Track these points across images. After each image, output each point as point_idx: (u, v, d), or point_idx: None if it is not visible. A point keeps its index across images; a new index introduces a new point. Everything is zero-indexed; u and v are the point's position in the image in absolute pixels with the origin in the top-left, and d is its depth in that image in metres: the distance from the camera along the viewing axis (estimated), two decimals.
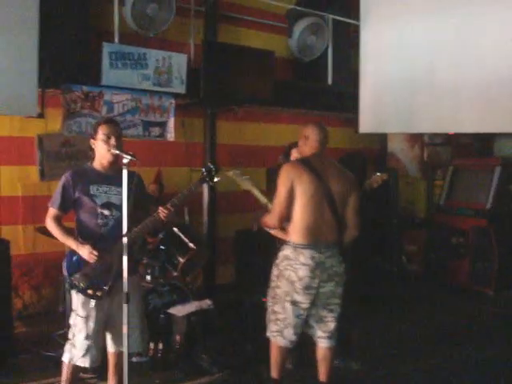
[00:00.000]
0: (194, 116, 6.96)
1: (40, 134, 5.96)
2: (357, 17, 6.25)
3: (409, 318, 6.32)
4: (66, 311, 3.78)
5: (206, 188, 6.54)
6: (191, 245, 5.34)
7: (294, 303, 3.88)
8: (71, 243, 3.59)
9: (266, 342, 4.09)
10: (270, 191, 4.42)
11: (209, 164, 3.95)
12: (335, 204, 3.90)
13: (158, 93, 5.94)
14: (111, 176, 3.69)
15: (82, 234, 3.65)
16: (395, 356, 5.17)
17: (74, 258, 3.59)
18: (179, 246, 5.33)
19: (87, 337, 3.61)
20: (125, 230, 3.30)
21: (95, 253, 3.51)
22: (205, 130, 6.79)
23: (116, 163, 3.70)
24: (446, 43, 5.22)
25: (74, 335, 3.65)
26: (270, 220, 4.01)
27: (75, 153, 6.09)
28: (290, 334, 3.94)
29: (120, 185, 3.41)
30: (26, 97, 4.79)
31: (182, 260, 5.27)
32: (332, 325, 3.99)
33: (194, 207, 6.58)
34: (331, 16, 7.39)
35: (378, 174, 4.58)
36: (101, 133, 3.66)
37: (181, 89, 6.02)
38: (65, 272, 3.64)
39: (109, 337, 3.79)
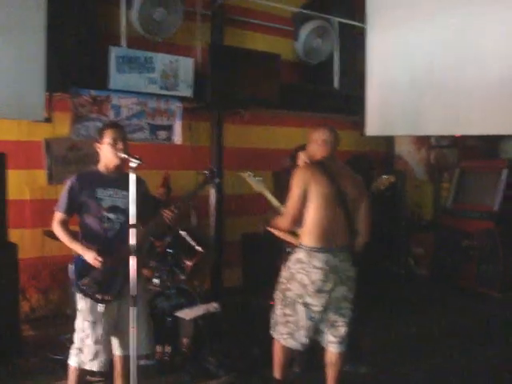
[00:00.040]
0: (201, 119, 6.98)
1: (48, 138, 6.00)
2: (362, 19, 6.24)
3: (416, 321, 6.29)
4: (74, 314, 3.80)
5: (213, 191, 6.55)
6: (198, 248, 5.35)
7: (306, 305, 3.87)
8: (77, 248, 3.60)
9: (273, 345, 4.10)
10: (277, 194, 4.44)
11: (211, 166, 3.97)
12: (348, 207, 3.91)
13: (164, 96, 5.96)
14: (116, 179, 3.71)
15: (87, 237, 3.66)
16: (402, 359, 5.15)
17: (81, 263, 3.59)
18: (186, 249, 5.34)
19: (96, 341, 3.61)
20: (132, 233, 3.31)
21: (99, 259, 3.52)
22: (211, 134, 6.80)
23: (121, 167, 3.72)
24: (451, 44, 5.21)
25: (81, 340, 3.66)
26: (283, 222, 4.01)
27: (82, 157, 6.12)
28: (301, 337, 3.93)
29: (125, 188, 3.43)
30: (33, 101, 4.81)
31: (189, 263, 5.29)
32: (343, 330, 3.98)
33: (201, 210, 6.58)
34: (337, 19, 7.39)
35: (385, 176, 4.57)
36: (107, 137, 3.67)
37: (187, 92, 6.03)
38: (71, 276, 3.65)
39: (115, 341, 3.79)
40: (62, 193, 3.69)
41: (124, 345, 3.71)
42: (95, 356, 3.62)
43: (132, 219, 3.29)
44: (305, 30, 7.25)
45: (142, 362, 4.55)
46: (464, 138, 8.79)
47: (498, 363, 5.11)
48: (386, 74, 5.93)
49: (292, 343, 3.96)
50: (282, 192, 4.32)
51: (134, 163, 3.32)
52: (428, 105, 5.49)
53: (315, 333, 4.00)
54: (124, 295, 3.55)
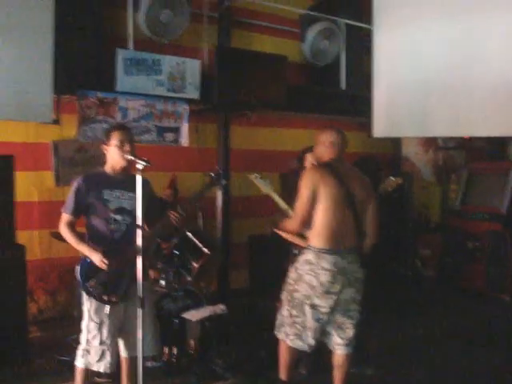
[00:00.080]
0: (208, 121, 6.98)
1: (55, 140, 6.02)
2: (369, 21, 6.22)
3: (422, 323, 6.28)
4: (81, 316, 3.81)
5: (219, 192, 6.55)
6: (205, 250, 5.34)
7: (314, 307, 3.87)
8: (84, 249, 3.61)
9: (279, 347, 4.09)
10: (284, 196, 4.44)
11: (218, 168, 3.98)
12: (356, 209, 3.90)
13: (171, 98, 5.97)
14: (123, 181, 3.72)
15: (93, 239, 3.67)
16: (409, 361, 5.14)
17: (87, 264, 3.60)
18: (193, 250, 5.34)
19: (102, 342, 3.63)
20: (138, 235, 3.31)
21: (105, 260, 3.52)
22: (218, 135, 6.79)
23: (128, 169, 3.73)
24: (458, 43, 5.19)
25: (88, 341, 3.67)
26: (291, 224, 4.01)
27: (89, 158, 6.14)
28: (308, 338, 3.92)
29: (131, 190, 3.44)
30: (41, 103, 4.82)
31: (196, 265, 5.29)
32: (351, 332, 3.97)
33: (207, 212, 6.59)
34: (344, 20, 7.39)
35: (393, 178, 4.56)
36: (114, 139, 3.68)
37: (194, 94, 6.04)
38: (78, 277, 3.66)
39: (121, 342, 3.80)
40: (69, 194, 3.71)
41: (130, 346, 3.71)
42: (102, 357, 3.63)
43: (138, 220, 3.30)
44: (312, 32, 7.24)
45: (149, 364, 4.56)
46: (471, 139, 8.76)
47: (499, 365, 5.09)
48: (392, 73, 5.91)
49: (299, 344, 3.95)
50: (289, 194, 4.32)
51: (141, 165, 3.33)
52: (435, 105, 5.47)
53: (322, 334, 4.00)
54: (130, 297, 3.56)
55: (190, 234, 5.36)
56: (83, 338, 3.71)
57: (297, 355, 4.14)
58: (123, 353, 3.82)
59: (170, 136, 6.08)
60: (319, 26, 7.24)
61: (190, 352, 4.85)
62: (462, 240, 7.92)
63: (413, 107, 5.69)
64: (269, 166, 7.14)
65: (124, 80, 5.53)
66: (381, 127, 6.01)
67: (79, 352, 3.72)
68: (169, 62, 5.83)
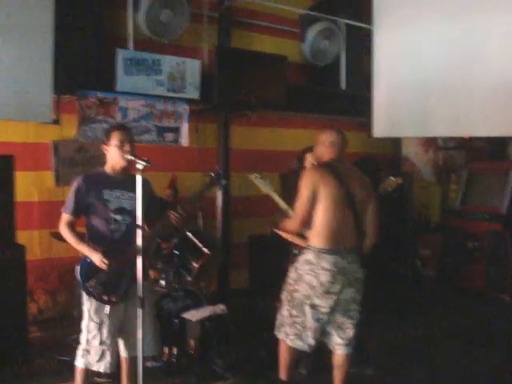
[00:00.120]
0: (208, 121, 6.98)
1: (55, 140, 6.02)
2: (369, 21, 6.22)
3: (422, 323, 6.28)
4: (81, 316, 3.81)
5: (219, 192, 6.55)
6: (205, 250, 5.34)
7: (314, 307, 3.87)
8: (84, 249, 3.61)
9: (279, 347, 4.09)
10: (284, 196, 4.44)
11: (218, 168, 3.98)
12: (356, 209, 3.90)
13: (171, 99, 5.97)
14: (123, 181, 3.72)
15: (93, 239, 3.67)
16: (409, 361, 5.14)
17: (87, 264, 3.60)
18: (193, 250, 5.34)
19: (102, 342, 3.63)
20: (138, 235, 3.32)
21: (105, 260, 3.53)
22: (218, 135, 6.79)
23: (128, 168, 3.73)
24: (458, 43, 5.19)
25: (87, 341, 3.67)
26: (291, 224, 4.01)
27: (89, 158, 6.14)
28: (308, 338, 3.92)
29: (131, 190, 3.44)
30: (41, 103, 4.82)
31: (196, 265, 5.29)
32: (351, 332, 3.97)
33: (207, 212, 6.59)
34: (344, 20, 7.39)
35: (393, 178, 4.56)
36: (114, 139, 3.68)
37: (194, 94, 6.04)
38: (78, 277, 3.66)
39: (121, 342, 3.80)
40: (69, 194, 3.71)
41: (130, 346, 3.71)
42: (102, 357, 3.64)
43: (138, 220, 3.30)
44: (312, 32, 7.25)
45: (149, 364, 4.56)
46: (471, 139, 8.76)
47: (499, 365, 5.09)
48: (392, 73, 5.91)
49: (299, 344, 3.95)
50: (289, 194, 4.32)
51: (141, 165, 3.33)
52: (435, 105, 5.47)
53: (322, 334, 4.00)
54: (130, 297, 3.56)
55: (190, 234, 5.36)
56: (83, 338, 3.71)
57: (297, 355, 4.14)
58: (123, 353, 3.82)
59: (169, 136, 6.08)
60: (319, 26, 7.24)
61: (190, 352, 4.85)
62: (461, 240, 7.92)
63: (413, 107, 5.69)
64: (269, 166, 7.14)
65: (124, 80, 5.53)
66: (381, 127, 6.01)
67: (79, 352, 3.72)
68: (169, 62, 5.83)
